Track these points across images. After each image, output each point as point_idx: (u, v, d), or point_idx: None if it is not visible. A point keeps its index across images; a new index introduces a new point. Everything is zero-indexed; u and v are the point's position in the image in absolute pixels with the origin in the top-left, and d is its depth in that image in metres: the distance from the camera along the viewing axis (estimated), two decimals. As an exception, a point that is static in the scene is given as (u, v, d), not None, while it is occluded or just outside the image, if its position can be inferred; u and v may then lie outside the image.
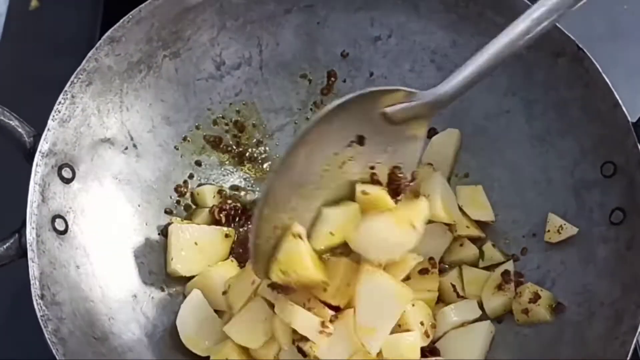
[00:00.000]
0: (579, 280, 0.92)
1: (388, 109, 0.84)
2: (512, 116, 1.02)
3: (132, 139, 0.99)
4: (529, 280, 0.96)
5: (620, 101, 0.91)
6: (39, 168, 0.86)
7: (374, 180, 0.87)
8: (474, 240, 1.01)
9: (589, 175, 0.95)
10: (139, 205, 0.99)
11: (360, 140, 0.85)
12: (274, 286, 0.85)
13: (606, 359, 0.82)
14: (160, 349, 0.92)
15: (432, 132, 1.06)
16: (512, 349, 0.92)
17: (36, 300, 0.81)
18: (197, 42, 1.02)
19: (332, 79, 1.09)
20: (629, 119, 0.90)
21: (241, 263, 0.99)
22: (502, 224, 1.01)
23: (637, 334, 0.81)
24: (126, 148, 0.98)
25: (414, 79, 1.07)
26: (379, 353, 0.85)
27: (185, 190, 1.05)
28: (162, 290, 0.97)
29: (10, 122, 0.86)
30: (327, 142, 0.82)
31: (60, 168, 0.89)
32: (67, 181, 0.90)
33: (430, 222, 0.93)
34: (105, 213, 0.95)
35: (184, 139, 1.05)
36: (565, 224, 0.95)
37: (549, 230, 0.96)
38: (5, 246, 0.83)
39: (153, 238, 0.99)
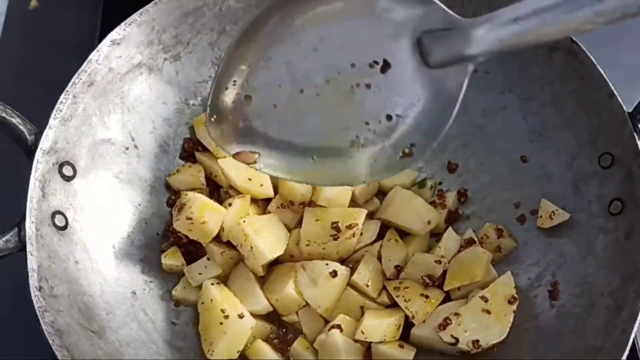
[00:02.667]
0: (579, 272, 0.91)
1: (425, 35, 0.70)
2: (509, 113, 1.03)
3: (133, 139, 1.00)
4: (528, 275, 0.96)
5: (615, 92, 0.91)
6: (40, 165, 0.87)
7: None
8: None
9: (587, 168, 0.94)
10: (139, 204, 1.00)
11: (384, 68, 0.69)
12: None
13: (606, 348, 0.81)
14: (158, 345, 0.92)
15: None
16: (512, 345, 0.90)
17: (34, 291, 0.82)
18: (197, 45, 1.05)
19: (331, 81, 1.10)
20: (625, 109, 0.90)
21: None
22: (502, 219, 1.01)
23: (637, 321, 0.80)
24: (127, 148, 1.00)
25: (412, 79, 1.08)
26: None
27: None
28: (161, 287, 0.98)
29: (12, 119, 0.88)
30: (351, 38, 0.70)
31: (61, 166, 0.90)
32: (68, 179, 0.91)
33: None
34: (105, 211, 0.96)
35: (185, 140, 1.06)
36: (557, 210, 0.94)
37: (541, 216, 0.96)
38: (4, 239, 0.84)
39: (153, 237, 1.00)
